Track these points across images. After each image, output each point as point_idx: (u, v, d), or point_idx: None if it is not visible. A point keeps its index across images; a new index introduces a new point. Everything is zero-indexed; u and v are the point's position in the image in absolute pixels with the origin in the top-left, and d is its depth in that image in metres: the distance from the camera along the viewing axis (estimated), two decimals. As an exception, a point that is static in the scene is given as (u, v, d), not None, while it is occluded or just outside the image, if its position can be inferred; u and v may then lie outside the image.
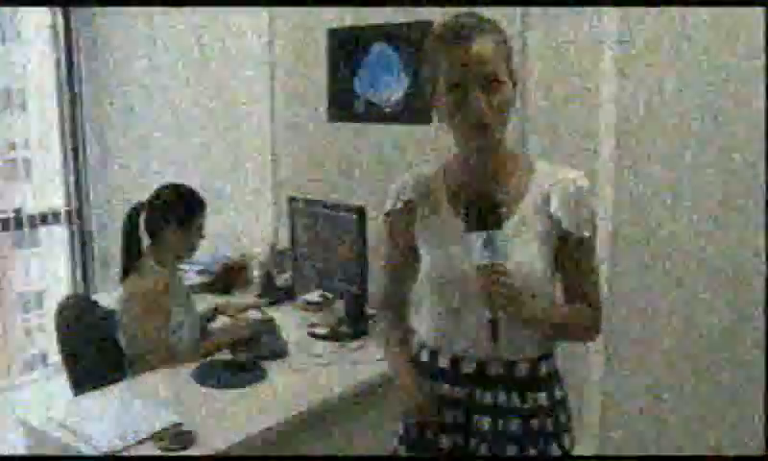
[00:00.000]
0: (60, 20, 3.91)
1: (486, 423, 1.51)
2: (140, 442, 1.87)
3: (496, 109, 1.41)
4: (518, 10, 2.71)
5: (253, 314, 2.85)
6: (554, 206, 1.49)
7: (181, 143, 3.91)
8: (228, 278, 3.41)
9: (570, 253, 1.51)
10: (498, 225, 1.39)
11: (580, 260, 1.53)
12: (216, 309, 2.86)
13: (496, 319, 1.40)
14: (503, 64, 1.43)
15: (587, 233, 1.50)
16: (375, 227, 2.87)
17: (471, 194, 1.44)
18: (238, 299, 3.20)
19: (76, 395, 2.51)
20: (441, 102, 1.46)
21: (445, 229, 1.52)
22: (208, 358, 2.44)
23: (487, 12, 1.50)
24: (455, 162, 1.56)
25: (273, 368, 2.37)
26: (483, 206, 1.40)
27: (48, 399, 3.63)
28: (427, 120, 3.03)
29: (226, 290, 3.35)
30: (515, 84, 1.47)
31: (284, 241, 3.38)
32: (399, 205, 1.60)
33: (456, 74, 1.41)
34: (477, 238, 1.38)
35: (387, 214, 1.64)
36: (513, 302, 1.39)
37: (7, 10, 3.71)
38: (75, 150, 4.01)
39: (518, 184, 1.51)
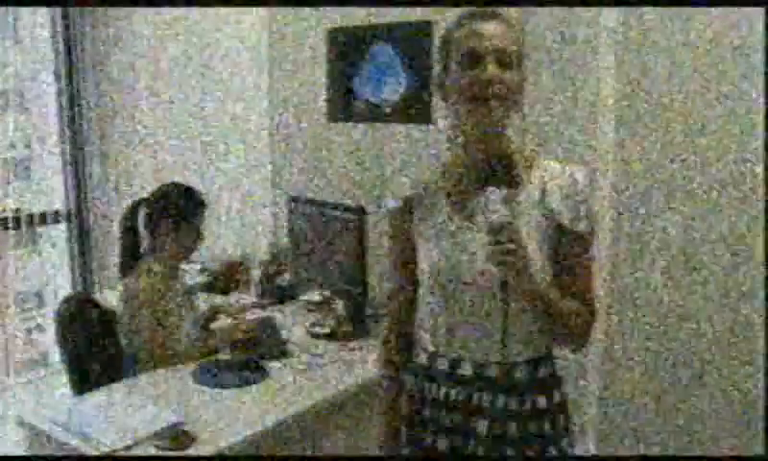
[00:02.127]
0: (60, 20, 3.90)
1: (484, 425, 1.50)
2: (140, 442, 1.87)
3: (508, 85, 1.43)
4: (519, 9, 2.71)
5: (253, 314, 2.85)
6: (553, 200, 1.48)
7: (182, 143, 3.91)
8: (228, 278, 3.41)
9: (567, 249, 1.50)
10: (514, 185, 1.41)
11: (577, 257, 1.51)
12: (216, 309, 2.87)
13: (507, 281, 1.39)
14: (517, 50, 1.45)
15: (585, 229, 1.50)
16: (375, 227, 2.88)
17: (487, 153, 1.46)
18: (238, 299, 3.20)
19: (76, 395, 2.51)
20: (452, 82, 1.47)
21: (444, 228, 1.52)
22: (208, 358, 2.44)
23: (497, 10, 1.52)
24: (455, 162, 1.56)
25: (273, 368, 2.37)
26: (500, 165, 1.41)
27: (48, 399, 3.63)
28: (427, 120, 3.04)
29: (226, 290, 3.35)
30: (523, 80, 1.49)
31: (284, 241, 3.38)
32: (399, 204, 1.60)
33: (472, 46, 1.43)
34: (495, 194, 1.37)
35: (387, 214, 1.64)
36: (523, 265, 1.37)
37: (6, 10, 3.71)
38: (75, 150, 4.01)
39: (518, 178, 1.50)
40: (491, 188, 1.38)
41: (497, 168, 1.41)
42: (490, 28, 1.44)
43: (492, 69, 1.42)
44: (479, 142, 1.49)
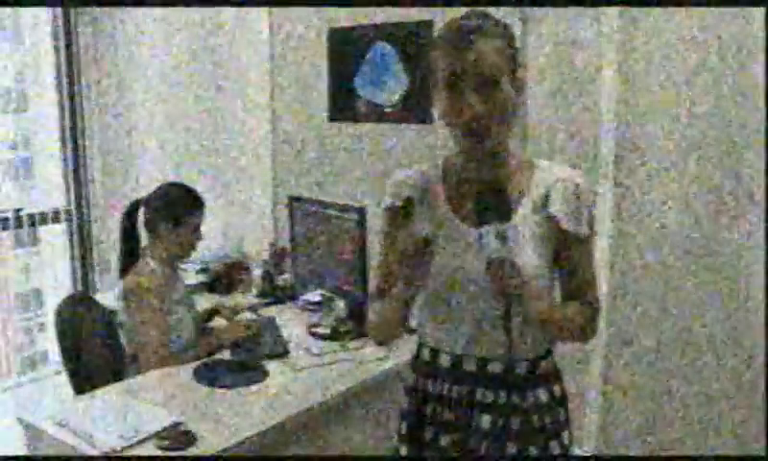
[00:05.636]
0: (60, 20, 3.90)
1: (486, 421, 1.51)
2: (140, 442, 1.87)
3: (493, 111, 1.39)
4: (518, 10, 2.72)
5: (249, 315, 2.85)
6: (553, 205, 1.48)
7: (182, 142, 3.91)
8: (228, 278, 3.41)
9: (569, 252, 1.51)
10: (508, 217, 1.39)
11: (579, 260, 1.53)
12: (215, 309, 2.87)
13: (509, 313, 1.39)
14: (505, 67, 1.40)
15: (586, 233, 1.50)
16: (375, 227, 2.88)
17: (479, 188, 1.44)
18: (238, 299, 3.20)
19: (76, 395, 2.51)
20: (440, 103, 1.45)
21: (445, 226, 1.52)
22: (208, 358, 2.44)
23: (486, 14, 1.50)
24: (454, 162, 1.56)
25: (273, 368, 2.37)
26: (493, 199, 1.39)
27: (48, 399, 3.63)
28: (427, 120, 3.04)
29: (226, 290, 3.36)
30: (519, 89, 1.45)
31: (284, 241, 3.39)
32: (398, 202, 1.59)
33: (452, 74, 1.39)
34: (489, 231, 1.37)
35: (386, 210, 1.63)
36: (524, 296, 1.38)
37: (7, 10, 3.71)
38: (75, 150, 4.01)
39: (518, 184, 1.50)
40: (485, 227, 1.37)
41: (490, 203, 1.39)
42: (471, 51, 1.37)
43: (472, 99, 1.37)
44: (472, 171, 1.50)
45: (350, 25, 3.27)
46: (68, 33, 3.92)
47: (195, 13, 3.72)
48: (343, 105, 3.35)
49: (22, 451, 2.12)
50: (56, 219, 3.98)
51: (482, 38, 1.39)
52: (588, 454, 2.77)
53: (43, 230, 4.00)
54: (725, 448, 2.51)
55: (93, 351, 2.60)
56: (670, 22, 2.48)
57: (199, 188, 2.66)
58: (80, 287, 4.04)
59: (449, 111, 1.42)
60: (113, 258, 2.86)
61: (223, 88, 3.74)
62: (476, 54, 1.38)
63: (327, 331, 2.71)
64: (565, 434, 1.57)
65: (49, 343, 3.81)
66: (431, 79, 1.47)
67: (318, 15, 3.37)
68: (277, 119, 3.61)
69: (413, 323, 1.64)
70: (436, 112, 1.50)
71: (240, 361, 2.39)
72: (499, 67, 1.39)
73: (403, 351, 1.92)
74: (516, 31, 2.68)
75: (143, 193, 2.68)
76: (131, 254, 2.58)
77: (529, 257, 1.45)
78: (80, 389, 2.51)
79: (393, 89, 3.17)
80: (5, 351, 3.75)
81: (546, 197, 1.49)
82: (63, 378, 2.66)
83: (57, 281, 4.04)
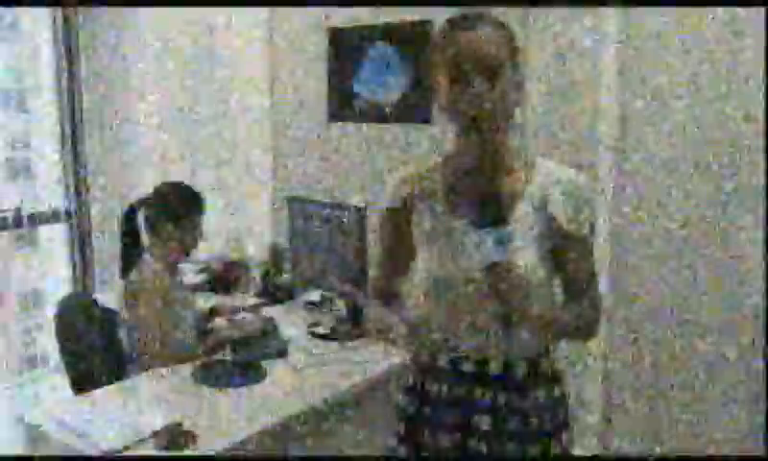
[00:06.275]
0: (60, 20, 3.90)
1: (485, 422, 1.50)
2: (140, 442, 1.87)
3: (498, 98, 1.40)
4: (518, 10, 2.71)
5: (248, 316, 2.85)
6: (553, 205, 1.48)
7: (182, 143, 3.91)
8: (228, 278, 3.41)
9: (569, 252, 1.51)
10: (505, 221, 1.39)
11: (579, 260, 1.52)
12: (214, 309, 2.87)
13: (509, 316, 1.39)
14: (506, 57, 1.41)
15: (586, 233, 1.50)
16: (375, 226, 2.88)
17: (478, 191, 1.43)
18: (237, 299, 3.20)
19: (76, 395, 2.51)
20: (442, 93, 1.45)
21: (444, 227, 1.52)
22: (208, 358, 2.44)
23: (486, 12, 1.50)
24: (454, 161, 1.56)
25: (273, 368, 2.37)
26: (492, 204, 1.39)
27: (48, 399, 3.63)
28: (427, 120, 3.04)
29: (226, 290, 3.35)
30: (518, 86, 1.46)
31: (284, 241, 3.39)
32: (398, 202, 1.59)
33: (458, 61, 1.40)
34: (488, 236, 1.37)
35: (385, 210, 1.63)
36: (524, 299, 1.38)
37: (7, 9, 3.71)
38: (75, 150, 4.01)
39: (518, 184, 1.50)
40: (484, 230, 1.37)
41: (489, 206, 1.39)
42: (474, 38, 1.39)
43: (477, 86, 1.38)
44: (471, 169, 1.50)
45: (350, 25, 3.27)
46: (68, 33, 3.92)
47: (195, 14, 3.72)
48: (342, 105, 3.35)
49: (22, 451, 2.13)
50: (56, 219, 3.98)
51: (484, 26, 1.41)
52: (588, 454, 2.77)
53: (43, 230, 4.00)
54: (725, 448, 2.51)
55: (93, 351, 2.59)
56: (669, 23, 2.48)
57: (199, 188, 2.66)
58: (80, 287, 4.04)
59: (452, 101, 1.42)
60: (113, 258, 2.86)
61: (223, 88, 3.73)
62: (479, 38, 1.39)
63: (327, 331, 2.71)
64: (565, 434, 1.57)
65: (49, 343, 3.80)
66: (431, 74, 1.48)
67: (318, 15, 3.37)
68: (277, 119, 3.61)
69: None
70: (437, 107, 1.50)
71: (240, 361, 2.39)
72: (502, 54, 1.40)
73: (403, 351, 1.92)
74: (516, 31, 2.68)
75: (143, 193, 2.68)
76: (131, 254, 2.57)
77: (528, 259, 1.45)
78: (80, 389, 2.51)
79: (393, 89, 3.17)
80: (5, 352, 3.75)
81: (546, 197, 1.48)
82: (63, 378, 2.66)
83: (57, 282, 4.04)
